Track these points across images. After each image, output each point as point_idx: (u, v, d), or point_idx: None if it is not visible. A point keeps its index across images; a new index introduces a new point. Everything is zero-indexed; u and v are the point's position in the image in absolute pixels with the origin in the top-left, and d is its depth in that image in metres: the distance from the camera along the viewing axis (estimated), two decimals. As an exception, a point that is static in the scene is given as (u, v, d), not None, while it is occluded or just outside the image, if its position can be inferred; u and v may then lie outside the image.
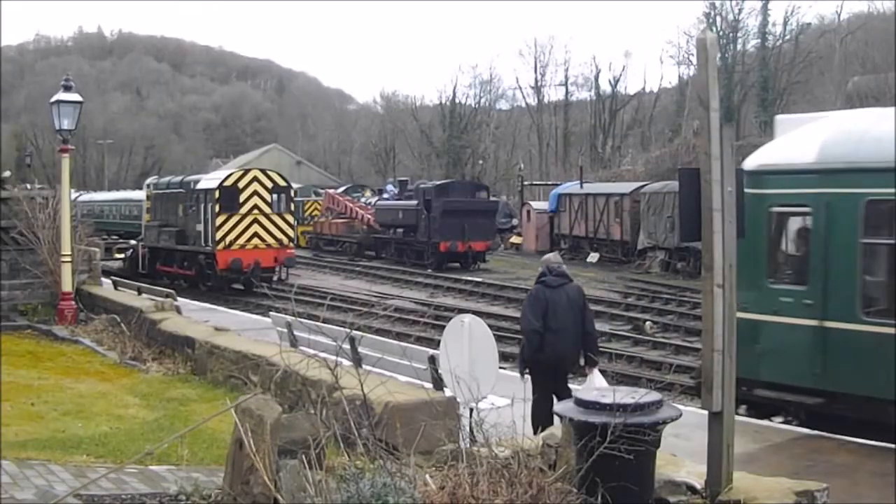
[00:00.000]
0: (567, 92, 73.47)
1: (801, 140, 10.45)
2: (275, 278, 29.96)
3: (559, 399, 7.81)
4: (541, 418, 7.96)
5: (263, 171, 30.20)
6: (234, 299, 27.03)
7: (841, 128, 10.39)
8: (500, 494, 4.91)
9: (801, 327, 9.77)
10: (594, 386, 8.29)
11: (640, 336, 20.30)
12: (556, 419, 8.40)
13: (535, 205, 47.07)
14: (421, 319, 21.95)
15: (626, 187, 39.27)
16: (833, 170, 9.57)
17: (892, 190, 8.93)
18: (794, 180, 10.18)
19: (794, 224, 10.50)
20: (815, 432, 9.50)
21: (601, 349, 11.33)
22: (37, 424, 9.06)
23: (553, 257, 9.32)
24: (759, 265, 10.31)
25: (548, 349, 8.52)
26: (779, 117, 12.48)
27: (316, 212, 48.46)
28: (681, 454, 6.44)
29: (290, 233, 30.46)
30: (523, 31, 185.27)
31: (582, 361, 8.90)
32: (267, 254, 28.88)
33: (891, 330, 8.58)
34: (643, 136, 67.67)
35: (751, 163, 10.77)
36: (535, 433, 7.12)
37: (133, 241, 35.80)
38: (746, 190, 8.93)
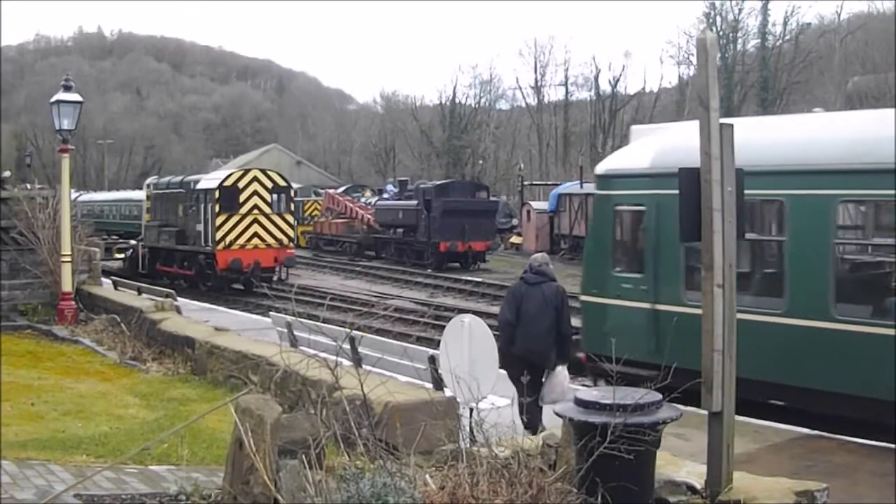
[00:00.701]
0: (567, 92, 73.54)
1: (640, 148, 12.13)
2: (275, 278, 29.97)
3: (529, 395, 7.82)
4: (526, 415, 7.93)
5: (263, 171, 30.20)
6: (234, 299, 27.03)
7: (671, 138, 11.89)
8: (500, 494, 4.91)
9: (638, 309, 11.28)
10: (554, 383, 8.72)
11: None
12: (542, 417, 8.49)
13: (535, 205, 47.06)
14: (421, 319, 21.94)
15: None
16: (662, 174, 10.72)
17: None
18: (633, 183, 11.77)
19: (634, 221, 11.98)
20: (815, 432, 9.51)
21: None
22: (37, 424, 9.06)
23: (539, 257, 9.57)
24: (605, 256, 12.05)
25: (518, 342, 8.74)
26: (633, 127, 14.25)
27: (316, 212, 48.48)
28: (681, 454, 6.44)
29: (290, 233, 30.46)
30: (523, 31, 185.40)
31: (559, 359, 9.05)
32: (267, 254, 28.88)
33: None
34: (643, 136, 67.50)
35: (600, 168, 12.86)
36: (525, 429, 7.24)
37: (133, 241, 35.81)
38: (596, 191, 11.52)
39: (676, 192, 9.21)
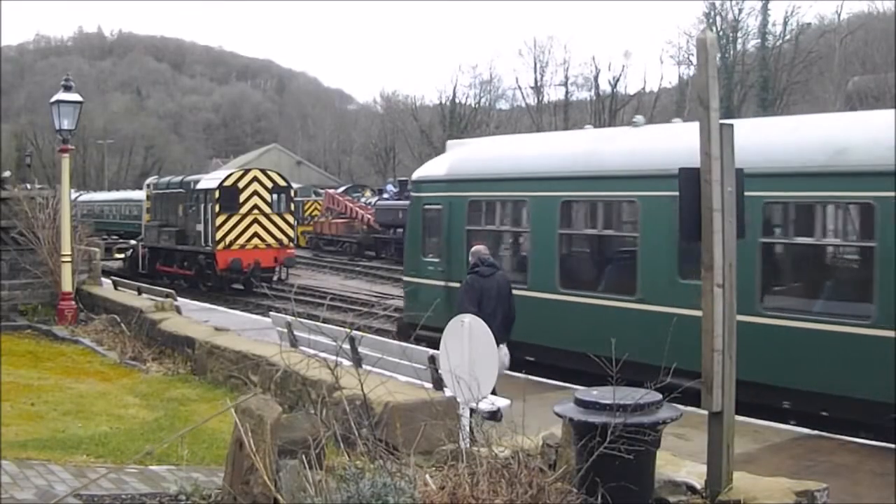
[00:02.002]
0: (567, 92, 73.44)
1: (442, 159, 15.91)
2: (275, 278, 29.96)
3: None
4: None
5: (263, 171, 30.20)
6: (234, 299, 27.03)
7: (463, 151, 15.75)
8: (500, 494, 4.90)
9: (438, 286, 14.47)
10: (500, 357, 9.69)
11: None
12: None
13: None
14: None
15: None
16: (453, 180, 14.71)
17: (483, 194, 14.33)
18: (435, 187, 15.07)
19: (435, 217, 14.98)
20: (815, 432, 9.53)
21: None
22: (37, 424, 9.06)
23: (483, 249, 10.75)
24: (417, 245, 15.39)
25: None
26: (448, 141, 17.73)
27: (316, 212, 48.47)
28: (681, 454, 6.44)
29: (290, 233, 30.46)
30: (523, 31, 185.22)
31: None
32: (267, 254, 28.88)
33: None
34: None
35: (415, 175, 16.42)
36: None
37: (133, 241, 35.81)
38: (411, 194, 16.18)
39: (464, 194, 13.70)
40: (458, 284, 12.96)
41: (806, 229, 10.64)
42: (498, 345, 9.08)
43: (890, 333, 9.01)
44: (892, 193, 9.09)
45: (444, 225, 14.59)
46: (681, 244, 10.79)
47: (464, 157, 15.32)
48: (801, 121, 12.31)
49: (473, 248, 10.87)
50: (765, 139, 10.68)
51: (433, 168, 15.80)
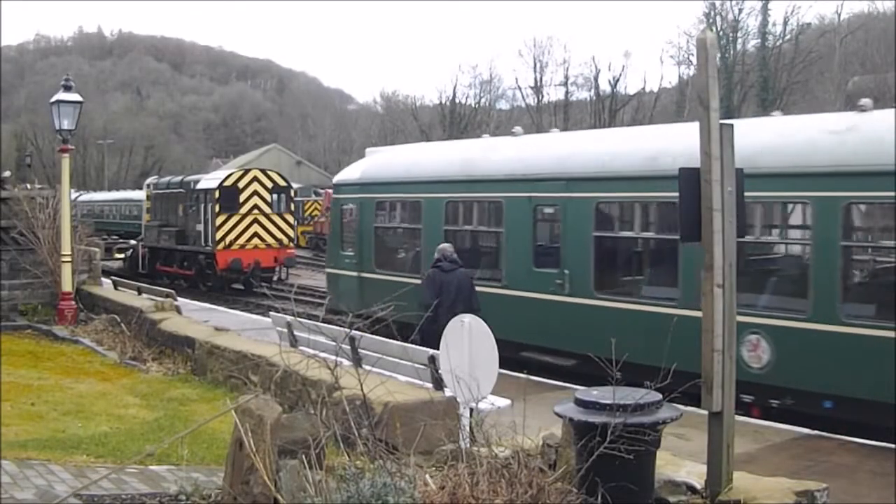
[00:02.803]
0: (567, 92, 73.47)
1: (357, 164, 18.33)
2: (275, 278, 29.95)
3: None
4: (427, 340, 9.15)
5: (263, 171, 30.18)
6: (234, 299, 27.02)
7: (374, 158, 17.96)
8: (500, 494, 4.90)
9: (352, 277, 16.69)
10: None
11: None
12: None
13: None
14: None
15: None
16: (364, 183, 16.87)
17: (387, 195, 16.43)
18: (350, 189, 17.25)
19: (350, 216, 17.15)
20: (815, 432, 9.53)
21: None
22: (37, 424, 9.06)
23: (448, 247, 11.50)
24: (337, 240, 17.54)
25: (441, 320, 9.23)
26: (367, 149, 19.57)
27: (316, 212, 48.43)
28: (681, 454, 6.44)
29: (290, 233, 30.44)
30: (523, 31, 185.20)
31: None
32: (267, 254, 28.88)
33: (383, 276, 15.76)
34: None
35: (335, 178, 19.20)
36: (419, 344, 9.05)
37: (133, 241, 35.80)
38: (333, 195, 18.67)
39: (372, 196, 16.45)
40: (369, 275, 16.14)
41: (629, 225, 12.93)
42: None
43: (694, 313, 9.74)
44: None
45: (357, 223, 16.77)
46: (535, 241, 13.43)
47: (374, 163, 17.53)
48: (626, 132, 15.88)
49: (439, 246, 11.61)
50: (600, 148, 13.11)
51: (350, 173, 18.16)
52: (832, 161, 9.78)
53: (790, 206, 11.01)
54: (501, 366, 7.13)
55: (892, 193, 9.10)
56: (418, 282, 13.16)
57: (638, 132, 15.70)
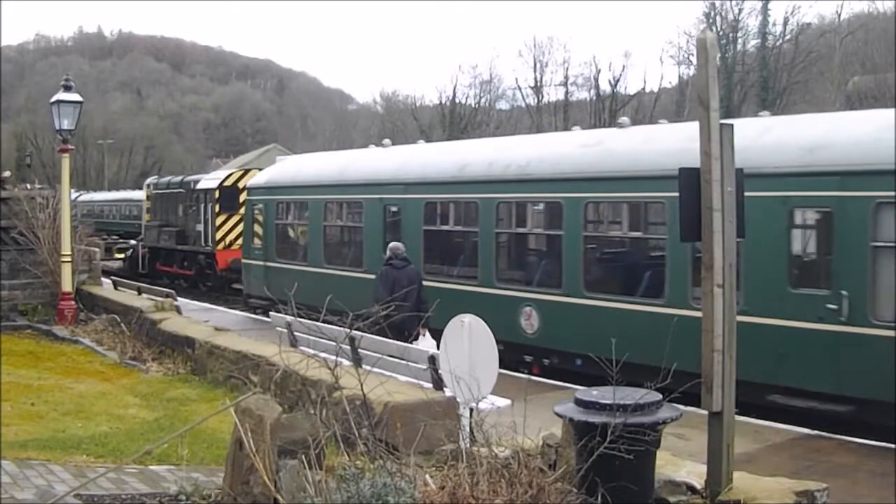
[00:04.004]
0: (567, 92, 73.36)
1: (265, 171, 22.12)
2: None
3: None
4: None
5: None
6: (234, 299, 26.98)
7: (279, 166, 21.93)
8: (500, 494, 4.90)
9: (261, 266, 19.88)
10: (428, 342, 10.92)
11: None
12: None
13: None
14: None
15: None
16: (269, 187, 20.33)
17: (285, 197, 19.77)
18: (260, 192, 20.65)
19: (259, 214, 20.31)
20: (815, 432, 9.53)
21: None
22: (37, 424, 9.06)
23: (399, 245, 12.49)
24: (250, 235, 20.74)
25: (393, 314, 9.44)
26: (278, 157, 23.63)
27: (316, 212, 48.35)
28: (681, 454, 6.44)
29: (290, 233, 30.42)
30: (523, 31, 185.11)
31: (419, 325, 11.40)
32: (267, 254, 28.83)
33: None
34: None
35: (248, 182, 22.74)
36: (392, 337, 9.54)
37: (133, 241, 35.78)
38: (247, 197, 22.49)
39: (274, 197, 20.33)
40: (274, 264, 19.49)
41: (446, 220, 15.60)
42: (414, 330, 11.18)
43: (490, 291, 13.79)
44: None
45: (263, 220, 20.10)
46: (385, 235, 15.90)
47: (278, 169, 21.38)
48: (448, 146, 20.60)
49: (390, 245, 12.83)
50: (427, 159, 16.14)
51: (260, 177, 21.84)
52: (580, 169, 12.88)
53: (541, 206, 14.04)
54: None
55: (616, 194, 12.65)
56: (305, 268, 18.01)
57: (451, 146, 20.63)
